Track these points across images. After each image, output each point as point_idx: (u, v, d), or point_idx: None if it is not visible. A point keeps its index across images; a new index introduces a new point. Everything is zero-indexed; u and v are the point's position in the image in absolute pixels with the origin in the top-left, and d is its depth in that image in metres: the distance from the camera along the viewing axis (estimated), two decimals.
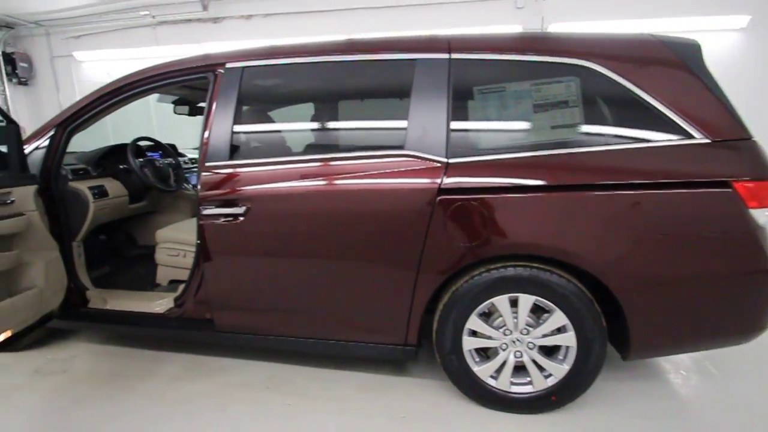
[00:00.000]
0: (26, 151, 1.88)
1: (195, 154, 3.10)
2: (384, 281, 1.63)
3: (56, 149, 1.94)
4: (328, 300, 1.72)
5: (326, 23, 5.25)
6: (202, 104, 2.79)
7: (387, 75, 1.68)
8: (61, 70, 6.49)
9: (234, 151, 1.74)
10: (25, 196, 1.75)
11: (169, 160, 2.59)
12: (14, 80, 6.41)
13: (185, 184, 2.61)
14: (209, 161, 1.74)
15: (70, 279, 2.02)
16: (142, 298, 2.09)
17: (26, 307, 1.67)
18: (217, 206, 1.72)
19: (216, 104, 1.76)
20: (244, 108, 1.79)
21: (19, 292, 1.69)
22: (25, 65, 6.42)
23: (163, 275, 2.24)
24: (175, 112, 2.62)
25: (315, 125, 1.93)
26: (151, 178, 2.32)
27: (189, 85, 2.21)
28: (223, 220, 1.71)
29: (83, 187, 2.05)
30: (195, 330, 1.94)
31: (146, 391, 1.86)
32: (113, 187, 2.22)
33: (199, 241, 1.80)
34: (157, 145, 2.70)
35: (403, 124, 1.60)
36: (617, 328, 1.56)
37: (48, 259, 1.84)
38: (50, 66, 6.49)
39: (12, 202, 1.69)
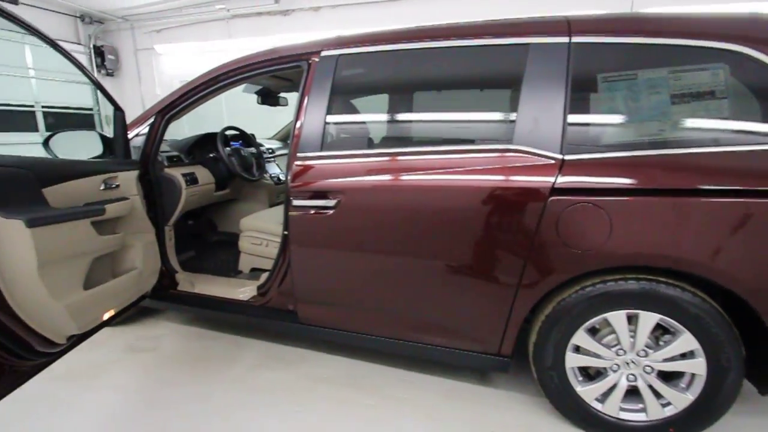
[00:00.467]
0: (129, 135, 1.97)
1: (270, 144, 3.15)
2: (481, 286, 1.51)
3: (155, 136, 2.01)
4: (417, 301, 1.64)
5: (398, 12, 5.16)
6: (283, 94, 2.81)
7: (495, 61, 1.55)
8: (143, 63, 6.94)
9: (326, 142, 1.70)
10: (128, 180, 1.82)
11: (252, 149, 2.63)
12: (102, 71, 6.96)
13: (265, 174, 2.65)
14: (301, 152, 1.71)
15: (162, 261, 2.10)
16: (226, 284, 2.14)
17: (128, 287, 1.74)
18: (307, 198, 1.68)
19: (309, 94, 1.72)
20: (338, 97, 1.73)
21: (121, 273, 1.77)
22: (112, 57, 6.94)
23: (245, 262, 2.28)
24: (259, 103, 2.65)
25: (412, 116, 1.85)
26: (237, 166, 2.37)
27: (279, 75, 2.21)
28: (312, 212, 1.68)
29: (177, 173, 2.12)
30: (277, 319, 1.94)
31: (229, 376, 1.90)
32: (202, 174, 2.28)
33: (285, 232, 1.79)
34: (241, 135, 2.75)
35: (511, 116, 1.46)
36: (754, 357, 1.34)
37: (145, 242, 1.91)
38: (134, 58, 6.96)
39: (117, 186, 1.76)
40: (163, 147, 2.25)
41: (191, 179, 2.19)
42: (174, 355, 2.09)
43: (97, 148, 1.85)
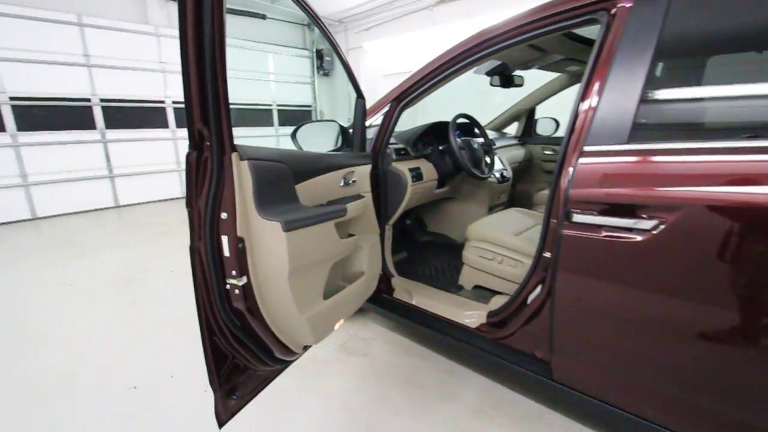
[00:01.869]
0: None
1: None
2: None
3: (387, 126, 1.79)
4: None
5: None
6: (519, 72, 2.31)
7: None
8: (352, 61, 7.53)
9: (639, 130, 1.11)
10: (363, 176, 1.64)
11: (480, 140, 2.24)
12: (320, 72, 7.87)
13: (493, 171, 2.23)
14: (591, 144, 1.18)
15: (382, 264, 1.92)
16: (447, 300, 1.81)
17: (358, 294, 1.57)
18: (598, 213, 1.14)
19: (612, 58, 1.16)
20: (668, 61, 1.12)
21: (350, 278, 1.61)
22: (328, 59, 7.78)
23: (468, 277, 1.92)
24: (491, 84, 2.23)
25: None
26: (468, 161, 2.01)
27: (534, 43, 1.71)
28: (603, 234, 1.13)
29: (404, 168, 1.88)
30: (514, 363, 1.48)
31: (444, 416, 1.55)
32: (427, 169, 2.00)
33: (546, 254, 1.30)
34: (470, 124, 2.40)
35: None
36: None
37: (371, 243, 1.73)
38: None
39: (354, 182, 1.59)
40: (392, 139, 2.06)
41: (416, 175, 1.93)
42: (384, 368, 1.88)
43: (335, 140, 1.73)
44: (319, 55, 7.75)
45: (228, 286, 1.08)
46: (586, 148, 1.19)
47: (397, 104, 1.78)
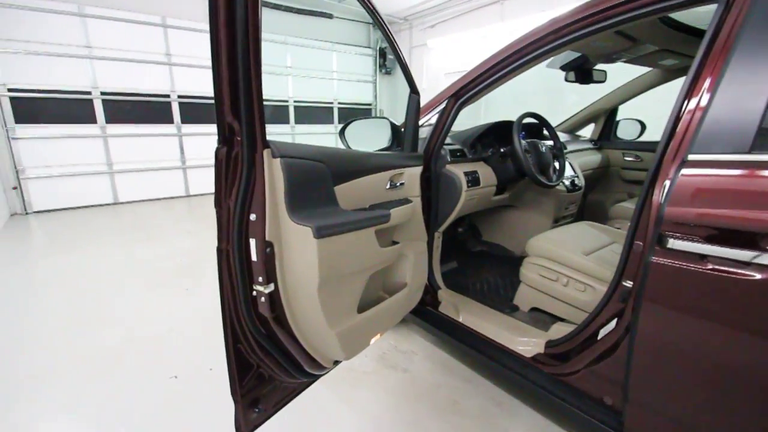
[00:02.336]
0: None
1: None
2: None
3: (443, 126, 1.63)
4: None
5: None
6: (602, 66, 2.03)
7: None
8: (415, 59, 7.40)
9: (766, 135, 0.86)
10: (413, 178, 1.50)
11: (549, 143, 1.99)
12: (383, 71, 7.83)
13: (563, 178, 1.97)
14: (697, 152, 0.94)
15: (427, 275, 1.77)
16: (498, 321, 1.61)
17: (398, 308, 1.44)
18: (705, 240, 0.90)
19: (734, 48, 0.91)
20: None
21: (391, 288, 1.48)
22: (391, 57, 7.71)
23: (524, 297, 1.70)
24: (567, 80, 1.98)
25: None
26: (533, 166, 1.78)
27: (623, 30, 1.46)
28: (709, 266, 0.89)
29: (459, 171, 1.70)
30: (576, 407, 1.26)
31: None
32: (485, 174, 1.81)
33: (627, 283, 1.07)
34: (539, 125, 2.16)
35: None
36: None
37: (417, 252, 1.58)
38: (408, 56, 7.50)
39: (402, 185, 1.45)
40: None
41: (473, 179, 1.74)
42: (424, 387, 1.73)
43: (386, 139, 1.61)
44: (382, 53, 7.70)
45: (255, 293, 1.00)
46: (691, 157, 0.95)
47: (455, 101, 1.62)
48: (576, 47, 1.67)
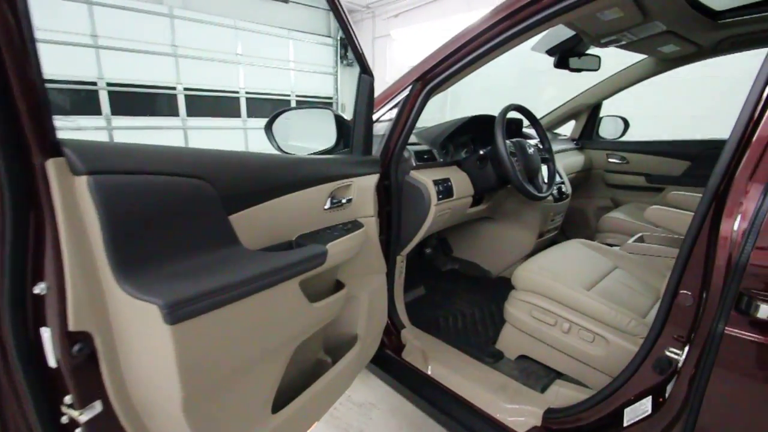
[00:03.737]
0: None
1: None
2: None
3: (406, 120, 1.23)
4: None
5: None
6: (596, 51, 1.69)
7: None
8: (378, 50, 6.96)
9: None
10: (365, 192, 1.09)
11: (535, 142, 1.63)
12: (344, 62, 7.34)
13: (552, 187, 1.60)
14: None
15: (388, 311, 1.37)
16: (478, 376, 1.24)
17: (342, 379, 1.02)
18: None
19: None
20: None
21: (333, 348, 1.07)
22: None
23: (510, 342, 1.33)
24: (556, 66, 1.63)
25: None
26: (520, 173, 1.41)
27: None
28: None
29: (428, 180, 1.31)
30: None
31: None
32: (459, 182, 1.42)
33: (675, 353, 0.72)
34: (517, 123, 1.79)
35: None
36: None
37: (373, 289, 1.18)
38: (371, 46, 7.06)
39: (349, 201, 1.04)
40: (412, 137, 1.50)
41: (445, 189, 1.35)
42: None
43: (330, 136, 1.18)
44: (344, 43, 7.22)
45: (66, 419, 0.55)
46: None
47: (422, 87, 1.22)
48: (578, 18, 1.31)
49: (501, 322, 1.40)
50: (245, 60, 6.11)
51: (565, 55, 1.62)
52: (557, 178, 1.75)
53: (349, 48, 6.98)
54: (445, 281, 1.94)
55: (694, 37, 1.63)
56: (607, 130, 2.48)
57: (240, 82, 6.15)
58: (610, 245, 1.72)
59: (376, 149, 1.25)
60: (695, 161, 2.08)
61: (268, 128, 1.17)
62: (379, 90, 1.24)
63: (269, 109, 6.63)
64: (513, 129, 1.90)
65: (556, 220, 1.90)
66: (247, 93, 6.27)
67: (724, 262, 0.66)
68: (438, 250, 2.03)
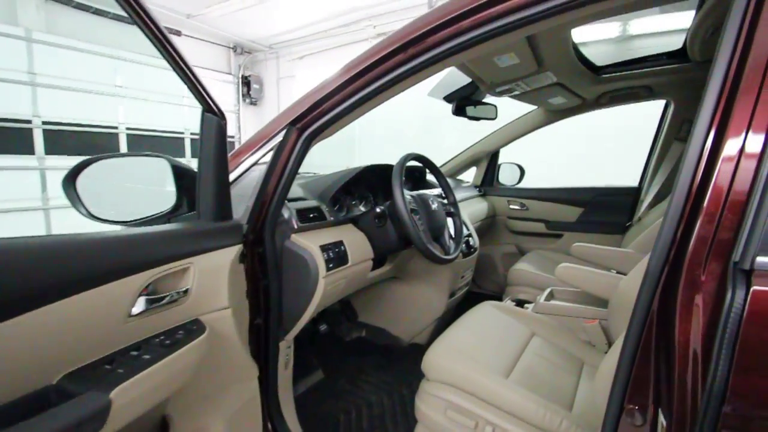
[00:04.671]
0: (232, 176, 0.95)
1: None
2: None
3: (283, 169, 0.96)
4: None
5: None
6: (493, 100, 1.63)
7: None
8: (284, 91, 6.75)
9: None
10: (213, 275, 0.76)
11: (436, 194, 1.45)
12: (247, 100, 6.95)
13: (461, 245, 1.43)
14: None
15: (267, 418, 1.02)
16: None
17: None
18: None
19: None
20: None
21: None
22: (257, 86, 6.91)
23: None
24: (454, 113, 1.52)
25: None
26: (423, 234, 1.20)
27: (535, 47, 1.02)
28: None
29: (313, 246, 1.03)
30: None
31: None
32: (355, 243, 1.17)
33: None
34: (420, 171, 1.63)
35: None
36: None
37: (234, 411, 0.83)
38: (276, 87, 6.82)
39: (185, 293, 0.70)
40: (294, 190, 1.22)
41: (336, 256, 1.09)
42: None
43: (167, 196, 0.85)
44: (246, 81, 6.88)
45: None
46: None
47: (299, 133, 0.97)
48: (475, 63, 1.20)
49: (414, 416, 1.13)
50: (126, 93, 5.37)
51: (462, 103, 1.53)
52: (464, 231, 1.61)
53: (253, 87, 6.63)
54: (350, 355, 1.63)
55: (579, 90, 1.68)
56: (506, 176, 2.51)
57: (119, 116, 5.36)
58: (522, 302, 1.61)
59: (239, 207, 0.94)
60: (587, 207, 2.16)
61: (70, 184, 0.80)
62: None
63: (160, 147, 5.87)
64: (416, 177, 1.75)
65: (466, 276, 1.76)
66: (128, 129, 5.48)
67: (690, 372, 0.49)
68: (341, 316, 1.73)
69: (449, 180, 2.02)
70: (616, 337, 1.16)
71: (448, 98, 1.53)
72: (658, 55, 1.54)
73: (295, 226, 1.05)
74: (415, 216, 1.22)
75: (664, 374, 0.54)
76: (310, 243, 1.05)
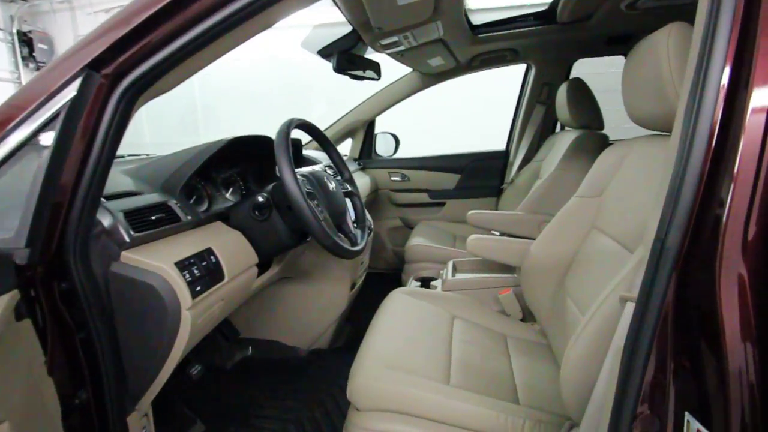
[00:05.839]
0: None
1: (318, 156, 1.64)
2: None
3: (89, 145, 0.56)
4: None
5: None
6: (371, 58, 1.40)
7: None
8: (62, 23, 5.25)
9: None
10: None
11: (324, 167, 1.16)
12: (31, 65, 5.20)
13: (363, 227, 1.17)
14: None
15: None
16: None
17: None
18: None
19: None
20: None
21: None
22: (44, 47, 5.20)
23: None
24: (335, 70, 1.24)
25: None
26: (324, 222, 0.90)
27: None
28: None
29: (165, 266, 0.67)
30: None
31: None
32: (230, 249, 0.83)
33: None
34: (297, 145, 1.30)
35: None
36: None
37: None
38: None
39: None
40: (119, 181, 0.80)
41: (205, 273, 0.74)
42: None
43: None
44: (26, 39, 5.13)
45: None
46: None
47: (110, 84, 0.58)
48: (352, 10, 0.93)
49: None
50: None
51: (343, 58, 1.26)
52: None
53: (37, 47, 5.02)
54: (236, 385, 1.28)
55: (456, 50, 1.60)
56: (382, 147, 2.37)
57: None
58: (427, 279, 1.50)
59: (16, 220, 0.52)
60: (464, 173, 2.18)
61: None
62: None
63: None
64: (293, 155, 1.43)
65: (365, 262, 1.56)
66: None
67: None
68: (217, 340, 1.34)
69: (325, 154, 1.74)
70: (531, 303, 1.13)
71: (324, 51, 1.24)
72: (526, 15, 1.55)
73: (126, 239, 0.66)
74: (314, 203, 0.94)
75: (694, 373, 0.43)
76: (158, 261, 0.68)
